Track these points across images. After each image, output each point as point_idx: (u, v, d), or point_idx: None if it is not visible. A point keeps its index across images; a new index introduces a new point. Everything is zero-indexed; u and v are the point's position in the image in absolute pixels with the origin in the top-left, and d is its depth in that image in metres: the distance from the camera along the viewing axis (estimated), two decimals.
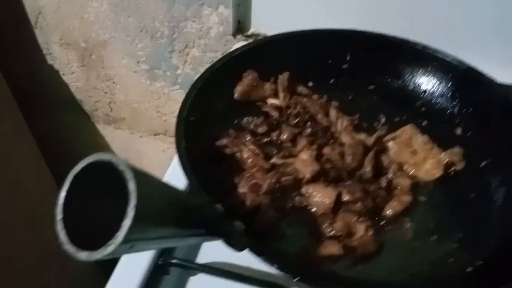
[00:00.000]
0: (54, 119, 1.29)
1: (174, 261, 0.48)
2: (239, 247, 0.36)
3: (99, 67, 1.08)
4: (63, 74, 1.15)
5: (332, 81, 0.60)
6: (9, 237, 1.08)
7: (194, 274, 0.52)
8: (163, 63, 1.00)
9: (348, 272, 0.40)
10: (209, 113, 0.50)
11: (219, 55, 0.95)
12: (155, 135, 1.19)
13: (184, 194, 0.33)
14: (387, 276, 0.40)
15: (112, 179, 0.26)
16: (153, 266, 0.48)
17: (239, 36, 0.81)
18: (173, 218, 0.28)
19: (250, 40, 0.79)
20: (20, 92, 1.12)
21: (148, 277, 0.47)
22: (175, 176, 0.57)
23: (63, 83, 1.17)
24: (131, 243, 0.23)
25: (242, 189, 0.44)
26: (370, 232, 0.42)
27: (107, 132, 1.27)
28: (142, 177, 0.23)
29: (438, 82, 0.58)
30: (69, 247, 0.23)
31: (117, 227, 0.23)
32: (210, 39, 0.89)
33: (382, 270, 0.40)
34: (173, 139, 1.16)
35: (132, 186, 0.22)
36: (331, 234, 0.42)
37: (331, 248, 0.41)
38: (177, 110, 1.12)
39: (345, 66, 0.61)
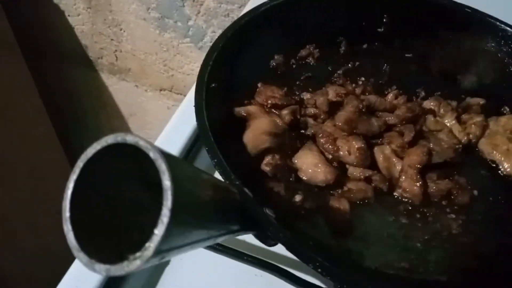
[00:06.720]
0: (56, 66, 1.22)
1: None
2: (271, 242, 0.32)
3: (106, 10, 1.00)
4: (68, 16, 1.07)
5: (365, 46, 0.54)
6: (8, 192, 1.04)
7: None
8: (174, 12, 0.92)
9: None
10: (231, 79, 0.43)
11: (235, 8, 0.87)
12: (160, 90, 1.13)
13: (219, 181, 0.26)
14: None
15: (135, 160, 0.19)
16: None
17: None
18: (208, 215, 0.21)
19: None
20: (22, 35, 1.05)
21: None
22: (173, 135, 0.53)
23: (68, 26, 1.09)
24: (162, 255, 0.17)
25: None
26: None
27: (111, 82, 1.21)
28: (176, 166, 0.17)
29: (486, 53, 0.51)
30: (80, 255, 0.16)
31: (141, 220, 0.18)
32: None
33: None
34: (178, 97, 1.07)
35: (167, 182, 0.16)
36: None
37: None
38: (185, 66, 1.05)
39: (380, 30, 0.54)
